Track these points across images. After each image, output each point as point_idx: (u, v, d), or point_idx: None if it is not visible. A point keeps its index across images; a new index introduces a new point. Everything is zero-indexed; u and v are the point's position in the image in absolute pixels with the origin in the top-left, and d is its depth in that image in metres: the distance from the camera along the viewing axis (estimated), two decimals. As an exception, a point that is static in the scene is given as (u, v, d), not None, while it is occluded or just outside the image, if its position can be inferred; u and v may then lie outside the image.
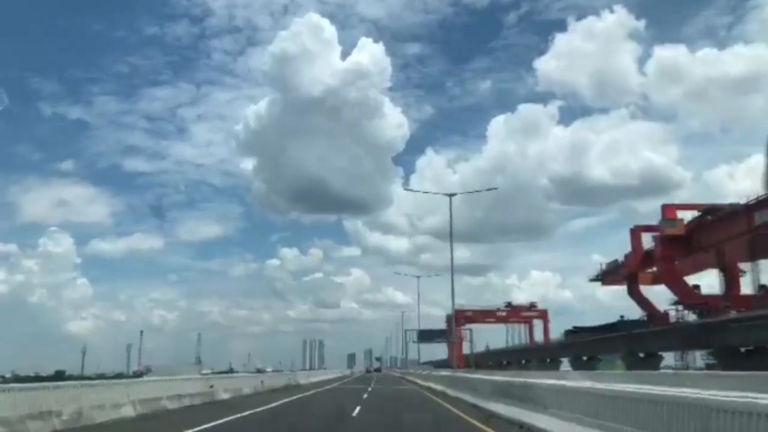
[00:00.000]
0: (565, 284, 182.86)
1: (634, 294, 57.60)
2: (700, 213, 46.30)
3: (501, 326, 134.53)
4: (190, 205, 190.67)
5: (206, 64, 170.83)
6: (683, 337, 44.01)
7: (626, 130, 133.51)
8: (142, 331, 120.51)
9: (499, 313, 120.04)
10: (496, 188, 61.30)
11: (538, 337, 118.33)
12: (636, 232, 55.03)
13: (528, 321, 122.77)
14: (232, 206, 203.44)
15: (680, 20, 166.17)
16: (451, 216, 33.12)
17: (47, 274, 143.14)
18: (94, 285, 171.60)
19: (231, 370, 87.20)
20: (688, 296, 48.27)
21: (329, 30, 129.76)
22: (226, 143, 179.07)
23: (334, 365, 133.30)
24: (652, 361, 53.34)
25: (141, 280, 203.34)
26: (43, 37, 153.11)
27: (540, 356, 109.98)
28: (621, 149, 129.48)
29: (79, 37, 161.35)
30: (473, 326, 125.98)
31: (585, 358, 79.12)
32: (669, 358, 59.24)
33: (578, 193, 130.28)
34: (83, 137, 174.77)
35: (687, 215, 48.02)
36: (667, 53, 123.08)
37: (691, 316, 48.10)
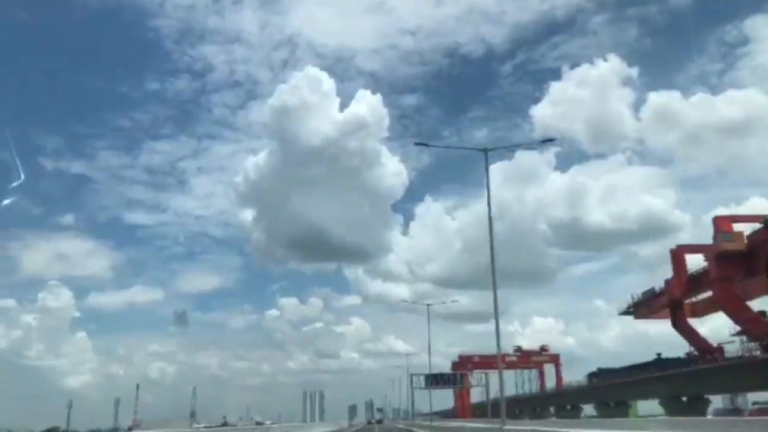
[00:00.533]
0: (568, 331, 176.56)
1: (680, 325, 50.47)
2: (762, 224, 39.57)
3: (509, 372, 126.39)
4: (190, 257, 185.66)
5: (207, 117, 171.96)
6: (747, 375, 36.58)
7: (623, 174, 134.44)
8: (138, 385, 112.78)
9: (509, 359, 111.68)
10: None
11: (550, 383, 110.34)
12: (678, 254, 48.21)
13: (539, 366, 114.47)
14: (231, 257, 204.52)
15: (673, 67, 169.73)
16: (487, 172, 28.40)
17: (45, 329, 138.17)
18: (92, 338, 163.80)
19: (225, 424, 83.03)
20: (753, 324, 40.99)
21: (328, 82, 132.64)
22: (225, 195, 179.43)
23: (335, 417, 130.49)
24: (696, 405, 46.08)
25: (140, 332, 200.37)
26: (45, 93, 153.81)
27: (557, 403, 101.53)
28: (619, 194, 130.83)
29: (81, 93, 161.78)
30: (480, 373, 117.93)
31: (612, 403, 71.23)
32: (716, 401, 51.55)
33: (578, 238, 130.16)
34: (84, 191, 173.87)
35: (743, 228, 41.29)
36: (661, 99, 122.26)
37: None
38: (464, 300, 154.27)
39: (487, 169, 28.29)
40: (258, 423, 74.13)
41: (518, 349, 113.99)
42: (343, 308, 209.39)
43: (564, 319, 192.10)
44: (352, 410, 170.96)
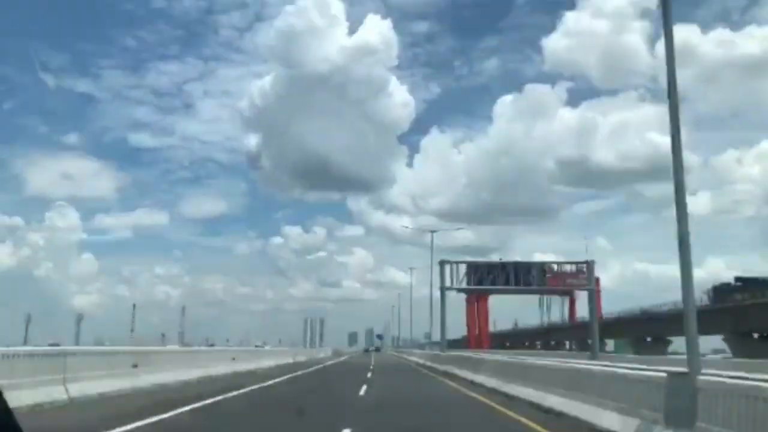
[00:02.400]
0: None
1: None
2: None
3: (532, 299, 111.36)
4: (196, 182, 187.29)
5: (214, 39, 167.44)
6: None
7: (634, 112, 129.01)
8: (134, 305, 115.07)
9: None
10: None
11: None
12: None
13: (568, 290, 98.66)
14: (236, 183, 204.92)
15: (694, 1, 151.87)
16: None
17: (53, 249, 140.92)
18: (99, 259, 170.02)
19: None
20: None
21: (336, 5, 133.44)
22: (231, 120, 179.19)
23: (335, 344, 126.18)
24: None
25: (145, 255, 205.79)
26: (50, 7, 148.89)
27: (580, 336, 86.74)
28: (628, 132, 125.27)
29: (86, 8, 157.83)
30: (501, 298, 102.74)
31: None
32: None
33: (584, 175, 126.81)
34: (90, 111, 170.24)
35: None
36: (679, 33, 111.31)
37: None
38: (468, 234, 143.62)
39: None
40: (257, 346, 71.24)
41: (549, 269, 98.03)
42: (346, 238, 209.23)
43: (566, 257, 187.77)
44: (353, 337, 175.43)
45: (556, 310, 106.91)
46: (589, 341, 67.42)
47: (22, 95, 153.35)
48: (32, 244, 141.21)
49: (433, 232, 45.98)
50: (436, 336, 67.62)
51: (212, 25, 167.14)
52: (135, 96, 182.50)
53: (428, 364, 34.66)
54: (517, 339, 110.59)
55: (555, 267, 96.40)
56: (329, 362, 41.69)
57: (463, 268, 46.97)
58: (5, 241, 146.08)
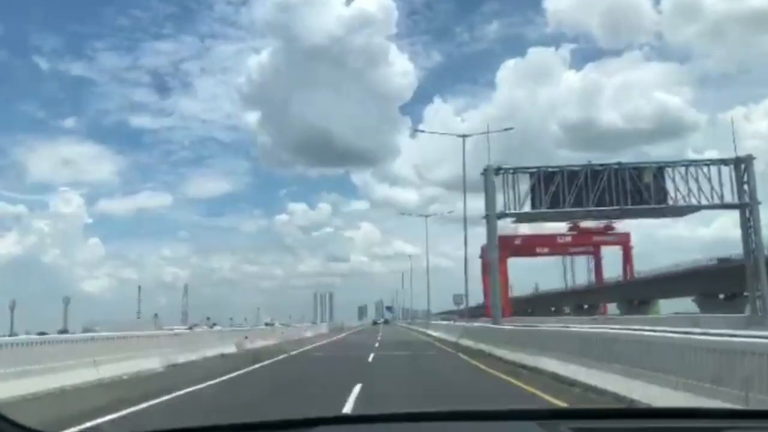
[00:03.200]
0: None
1: None
2: None
3: (555, 260, 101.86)
4: (198, 162, 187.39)
5: (209, 15, 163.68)
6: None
7: (639, 71, 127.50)
8: (140, 287, 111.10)
9: (562, 240, 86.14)
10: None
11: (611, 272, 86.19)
12: None
13: (596, 249, 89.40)
14: (238, 161, 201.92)
15: None
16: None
17: (59, 235, 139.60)
18: (105, 244, 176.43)
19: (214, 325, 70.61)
20: None
21: None
22: (230, 97, 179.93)
23: (345, 318, 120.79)
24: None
25: (151, 237, 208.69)
26: None
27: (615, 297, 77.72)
28: (634, 92, 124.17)
29: None
30: (522, 261, 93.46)
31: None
32: None
33: (589, 138, 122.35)
34: (87, 94, 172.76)
35: None
36: None
37: None
38: (472, 202, 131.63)
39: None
40: (267, 324, 67.89)
41: (574, 226, 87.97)
42: (351, 213, 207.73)
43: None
44: (362, 311, 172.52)
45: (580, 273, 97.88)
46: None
47: (18, 80, 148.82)
48: (37, 231, 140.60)
49: (464, 136, 35.01)
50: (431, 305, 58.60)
51: (206, 0, 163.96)
52: (131, 77, 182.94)
53: (475, 346, 19.83)
54: (538, 304, 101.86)
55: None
56: (312, 345, 27.42)
57: (525, 181, 32.34)
58: (11, 229, 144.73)
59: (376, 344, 25.23)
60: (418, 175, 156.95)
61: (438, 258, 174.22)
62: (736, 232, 30.75)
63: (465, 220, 34.52)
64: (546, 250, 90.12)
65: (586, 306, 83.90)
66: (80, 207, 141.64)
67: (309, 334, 39.98)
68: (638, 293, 70.55)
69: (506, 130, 42.44)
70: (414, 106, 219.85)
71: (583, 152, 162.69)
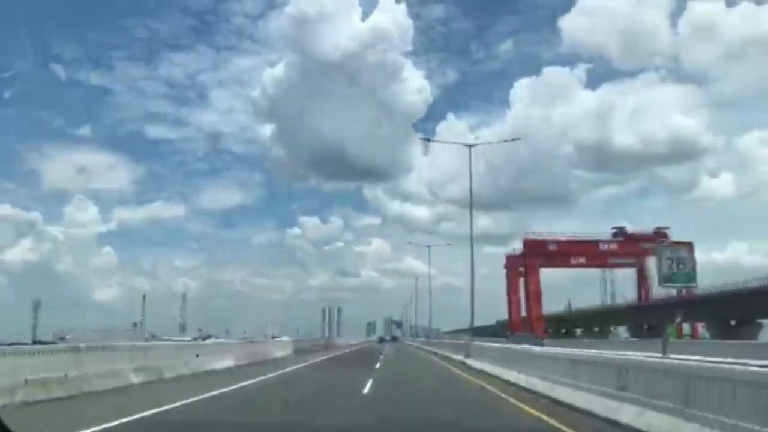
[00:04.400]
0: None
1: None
2: None
3: (592, 273, 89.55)
4: (212, 173, 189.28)
5: (226, 28, 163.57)
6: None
7: (655, 93, 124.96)
8: (144, 296, 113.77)
9: (605, 247, 74.44)
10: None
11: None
12: None
13: (640, 259, 77.17)
14: (252, 173, 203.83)
15: None
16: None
17: (73, 243, 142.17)
18: (119, 253, 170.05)
19: (208, 337, 65.37)
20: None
21: None
22: (246, 110, 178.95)
23: (354, 333, 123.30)
24: None
25: (164, 247, 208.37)
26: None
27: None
28: (649, 114, 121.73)
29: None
30: (553, 272, 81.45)
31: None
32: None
33: (604, 160, 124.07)
34: (104, 104, 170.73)
35: None
36: (702, 8, 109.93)
37: None
38: (485, 221, 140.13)
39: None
40: (274, 337, 64.16)
41: (619, 231, 76.21)
42: (363, 228, 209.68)
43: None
44: (371, 326, 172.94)
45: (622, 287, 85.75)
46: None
47: (36, 88, 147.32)
48: (52, 238, 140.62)
49: (470, 146, 34.32)
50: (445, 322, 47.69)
51: (224, 13, 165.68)
52: (149, 87, 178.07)
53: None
54: (574, 324, 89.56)
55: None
56: (252, 380, 16.12)
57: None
58: (26, 236, 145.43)
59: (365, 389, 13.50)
60: (430, 192, 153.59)
61: (450, 277, 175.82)
62: None
63: (471, 230, 32.24)
64: (582, 260, 78.02)
65: (645, 326, 69.33)
66: (95, 215, 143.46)
67: (280, 353, 29.30)
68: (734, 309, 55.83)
69: (513, 140, 43.34)
70: (427, 123, 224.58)
71: (597, 173, 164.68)
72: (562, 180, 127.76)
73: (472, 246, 32.18)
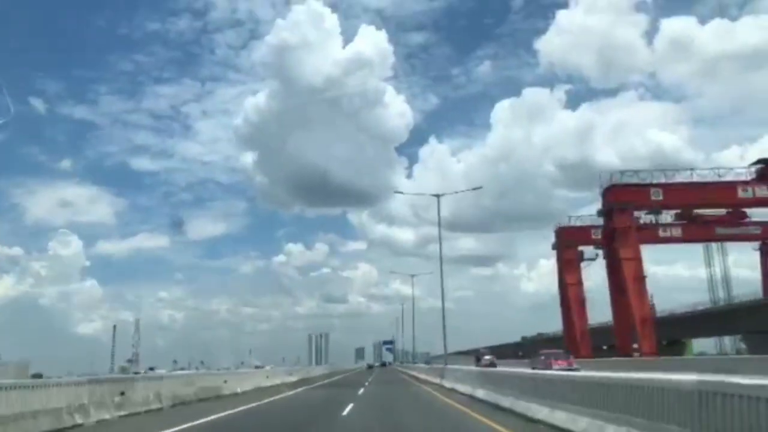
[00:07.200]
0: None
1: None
2: None
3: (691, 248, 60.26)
4: (197, 204, 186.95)
5: (210, 59, 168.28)
6: None
7: (634, 111, 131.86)
8: (114, 326, 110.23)
9: (746, 192, 44.33)
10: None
11: None
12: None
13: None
14: (237, 203, 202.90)
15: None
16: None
17: (56, 277, 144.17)
18: (103, 286, 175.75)
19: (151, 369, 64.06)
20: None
21: (330, 18, 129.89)
22: (230, 140, 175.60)
23: (342, 359, 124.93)
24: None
25: (149, 279, 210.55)
26: (44, 35, 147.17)
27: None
28: (629, 132, 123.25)
29: (81, 35, 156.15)
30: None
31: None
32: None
33: (586, 178, 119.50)
34: (89, 137, 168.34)
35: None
36: (675, 25, 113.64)
37: None
38: (469, 243, 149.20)
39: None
40: (257, 367, 64.08)
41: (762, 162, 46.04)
42: (348, 253, 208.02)
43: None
44: (359, 353, 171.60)
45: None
46: None
47: (19, 123, 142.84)
48: (35, 273, 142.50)
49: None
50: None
51: (207, 44, 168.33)
52: (133, 120, 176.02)
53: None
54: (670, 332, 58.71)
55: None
56: None
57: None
58: (9, 272, 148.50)
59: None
60: (414, 215, 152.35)
61: (437, 300, 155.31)
62: None
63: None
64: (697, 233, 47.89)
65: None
66: (78, 249, 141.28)
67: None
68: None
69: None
70: (410, 147, 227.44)
71: (580, 192, 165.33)
72: (545, 200, 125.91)
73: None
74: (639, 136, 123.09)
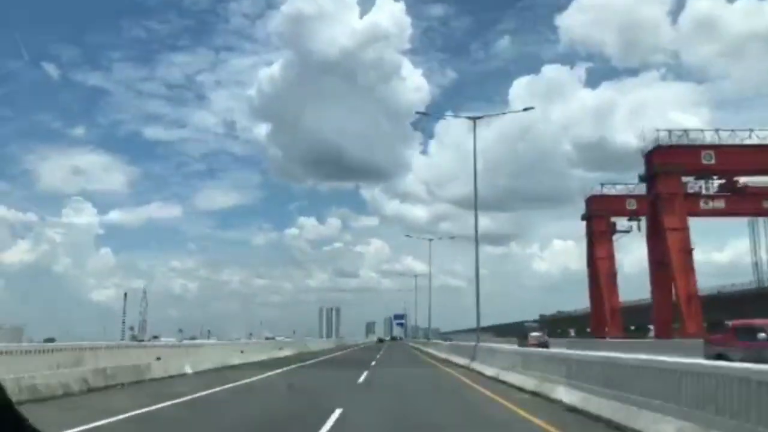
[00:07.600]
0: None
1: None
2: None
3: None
4: (210, 174, 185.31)
5: (224, 28, 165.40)
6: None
7: (655, 91, 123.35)
8: (125, 293, 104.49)
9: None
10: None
11: None
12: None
13: None
14: (250, 174, 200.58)
15: None
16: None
17: (71, 244, 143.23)
18: (116, 254, 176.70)
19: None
20: None
21: None
22: (244, 110, 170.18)
23: (353, 333, 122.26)
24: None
25: (162, 249, 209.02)
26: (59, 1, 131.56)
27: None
28: (649, 112, 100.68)
29: (96, 0, 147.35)
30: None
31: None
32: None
33: (603, 158, 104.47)
34: (102, 105, 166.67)
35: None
36: (702, 3, 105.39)
37: None
38: (484, 221, 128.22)
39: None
40: (267, 338, 65.20)
41: None
42: (361, 228, 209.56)
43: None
44: (370, 327, 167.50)
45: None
46: None
47: (33, 90, 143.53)
48: (50, 239, 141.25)
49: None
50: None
51: (222, 13, 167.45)
52: (147, 88, 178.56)
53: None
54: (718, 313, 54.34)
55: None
56: None
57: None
58: (24, 237, 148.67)
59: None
60: (428, 192, 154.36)
61: (448, 277, 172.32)
62: None
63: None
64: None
65: None
66: (92, 217, 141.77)
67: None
68: None
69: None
70: (426, 122, 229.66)
71: (597, 172, 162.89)
72: (561, 179, 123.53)
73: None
74: (660, 117, 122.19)
